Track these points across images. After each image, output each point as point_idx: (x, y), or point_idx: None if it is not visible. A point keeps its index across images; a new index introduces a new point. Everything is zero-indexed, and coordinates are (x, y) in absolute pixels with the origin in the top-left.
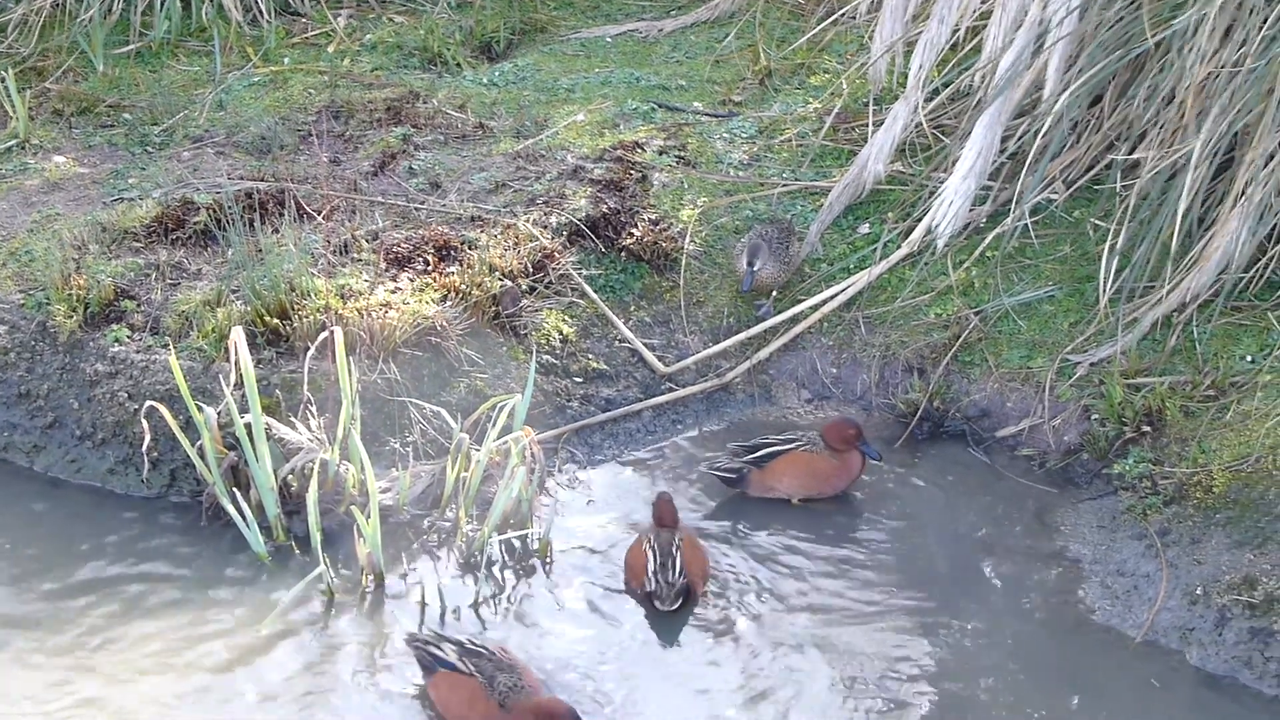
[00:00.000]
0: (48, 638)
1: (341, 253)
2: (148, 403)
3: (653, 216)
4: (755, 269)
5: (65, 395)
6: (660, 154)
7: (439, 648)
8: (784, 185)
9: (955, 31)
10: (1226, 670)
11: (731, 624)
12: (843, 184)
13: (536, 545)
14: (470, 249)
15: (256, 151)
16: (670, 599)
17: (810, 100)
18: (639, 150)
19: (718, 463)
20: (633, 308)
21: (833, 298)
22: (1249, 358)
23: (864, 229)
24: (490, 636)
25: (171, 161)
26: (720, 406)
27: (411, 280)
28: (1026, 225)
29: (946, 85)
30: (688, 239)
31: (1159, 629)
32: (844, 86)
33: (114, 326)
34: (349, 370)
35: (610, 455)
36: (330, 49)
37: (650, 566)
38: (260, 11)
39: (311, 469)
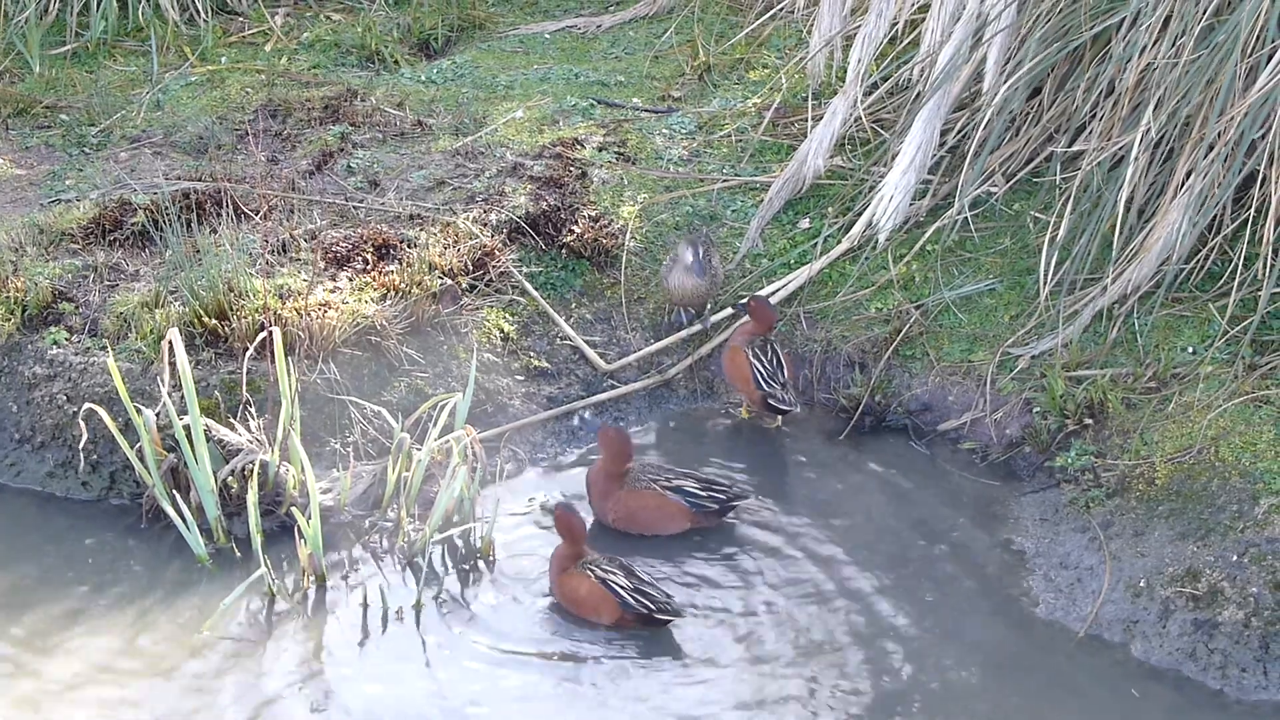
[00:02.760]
0: None
1: (280, 252)
2: (86, 405)
3: (593, 213)
4: (690, 263)
5: (3, 398)
6: (600, 150)
7: None
8: (724, 181)
9: (894, 25)
10: (1170, 663)
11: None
12: (783, 179)
13: (479, 544)
14: (410, 247)
15: (194, 151)
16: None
17: (749, 95)
18: (578, 147)
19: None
20: (574, 305)
21: (774, 293)
22: (1190, 349)
23: (804, 224)
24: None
25: (109, 162)
26: (663, 403)
27: (350, 279)
28: (967, 219)
29: (885, 79)
30: (628, 235)
31: (1103, 622)
32: (783, 81)
33: (52, 329)
34: (288, 370)
35: (553, 453)
36: (267, 48)
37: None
38: (197, 11)
39: (251, 470)
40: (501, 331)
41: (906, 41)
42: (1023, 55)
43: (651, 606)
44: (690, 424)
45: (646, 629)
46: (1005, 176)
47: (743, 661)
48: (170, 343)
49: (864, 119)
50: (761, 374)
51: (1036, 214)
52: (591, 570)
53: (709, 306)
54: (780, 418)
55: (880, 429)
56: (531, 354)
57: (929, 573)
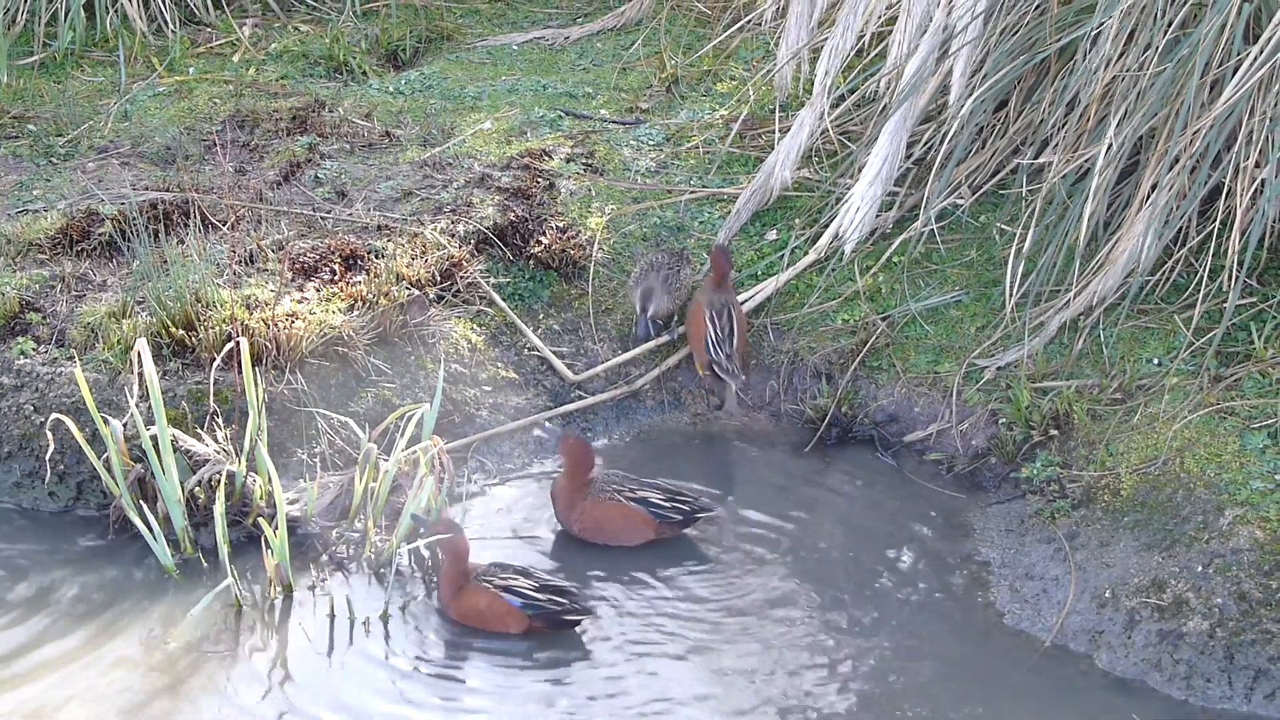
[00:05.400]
0: None
1: (247, 263)
2: (53, 415)
3: (561, 224)
4: (650, 313)
5: None
6: (568, 162)
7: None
8: (691, 192)
9: (860, 38)
10: (1136, 673)
11: (633, 628)
12: (750, 191)
13: (441, 548)
14: (377, 258)
15: (161, 162)
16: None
17: (717, 107)
18: (546, 158)
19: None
20: (541, 316)
21: (741, 304)
22: (1155, 361)
23: (771, 235)
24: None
25: (76, 173)
26: (630, 414)
27: (318, 290)
28: (933, 231)
29: (852, 91)
30: (596, 247)
31: (1068, 632)
32: (750, 93)
33: (19, 339)
34: (255, 381)
35: (520, 464)
36: (235, 58)
37: (713, 336)
38: (165, 21)
39: (218, 481)
40: (469, 342)
41: (873, 54)
42: (989, 68)
43: (564, 602)
44: (658, 435)
45: (557, 632)
46: (971, 189)
47: (705, 673)
48: (138, 353)
49: (831, 131)
50: (712, 338)
51: (1002, 226)
52: (488, 582)
53: (675, 319)
54: (724, 405)
55: (847, 440)
56: (499, 365)
57: (894, 584)
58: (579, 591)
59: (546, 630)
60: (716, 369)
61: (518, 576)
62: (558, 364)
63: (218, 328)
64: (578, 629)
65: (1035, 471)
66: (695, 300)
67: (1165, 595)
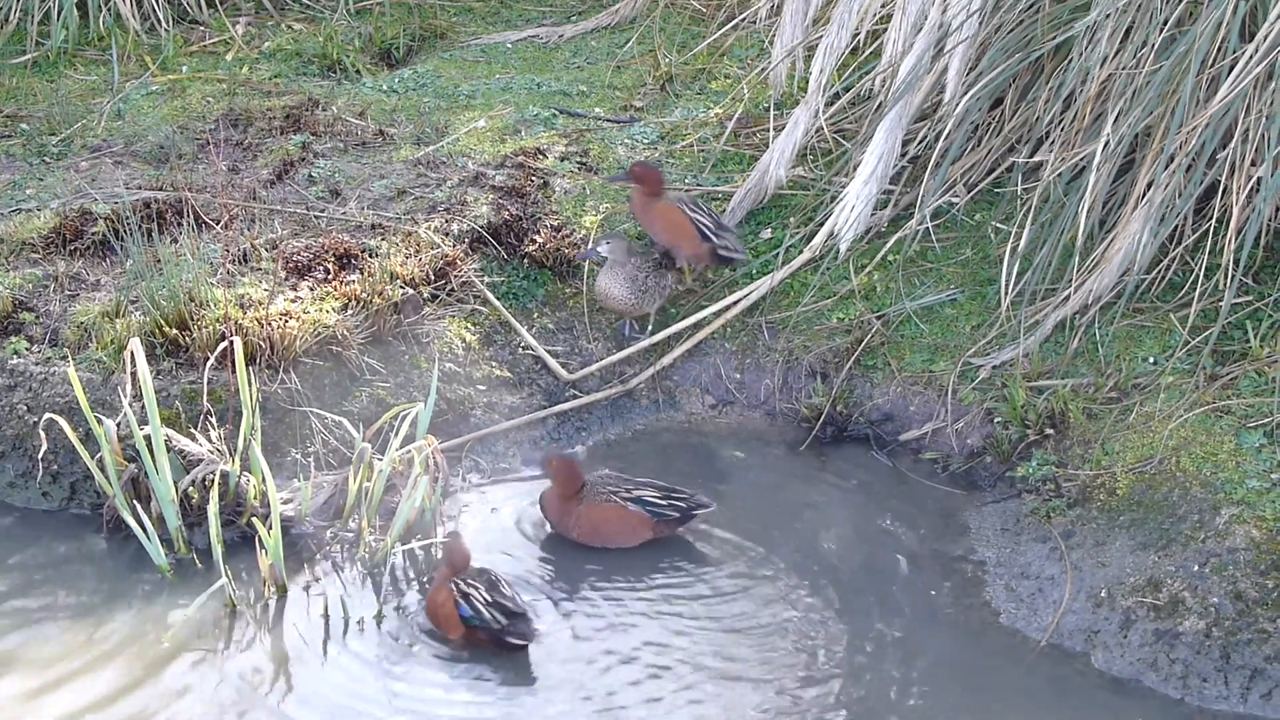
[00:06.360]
0: None
1: (240, 262)
2: (47, 415)
3: (555, 223)
4: (598, 250)
5: None
6: (562, 160)
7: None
8: (686, 190)
9: (855, 36)
10: (1131, 673)
11: (626, 629)
12: (744, 189)
13: (440, 555)
14: (371, 257)
15: (155, 161)
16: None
17: (711, 105)
18: (540, 156)
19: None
20: (536, 315)
21: (736, 303)
22: (1151, 359)
23: (766, 234)
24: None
25: (69, 172)
26: (625, 413)
27: (312, 289)
28: (928, 229)
29: (847, 89)
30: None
31: (1064, 632)
32: (745, 91)
33: (12, 339)
34: (249, 380)
35: (515, 463)
36: (229, 57)
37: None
38: (158, 20)
39: (212, 481)
40: (463, 341)
41: (868, 52)
42: (984, 65)
43: (503, 622)
44: (653, 434)
45: (500, 652)
46: (967, 187)
47: (701, 670)
48: (131, 352)
49: (826, 129)
50: (707, 227)
51: (998, 224)
52: (456, 584)
53: (650, 319)
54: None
55: (842, 439)
56: (493, 364)
57: (890, 583)
58: (526, 613)
59: (489, 648)
60: (724, 252)
61: (480, 586)
62: (552, 363)
63: (211, 327)
64: (572, 628)
65: (1031, 470)
66: (656, 206)
67: (1161, 595)
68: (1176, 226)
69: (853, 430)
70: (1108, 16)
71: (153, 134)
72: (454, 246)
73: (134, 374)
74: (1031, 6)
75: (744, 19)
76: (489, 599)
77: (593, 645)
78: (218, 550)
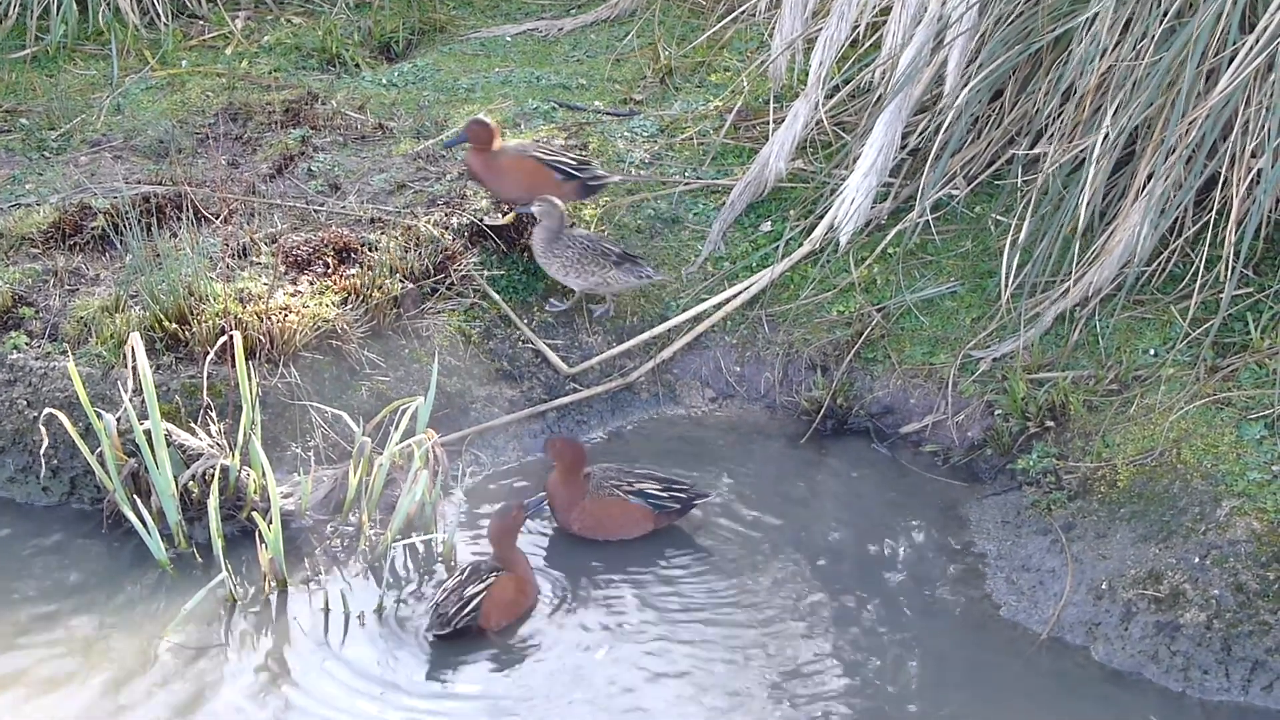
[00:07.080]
0: None
1: (240, 256)
2: (47, 410)
3: None
4: (530, 208)
5: None
6: None
7: None
8: (685, 184)
9: (855, 28)
10: (1132, 665)
11: (632, 622)
12: (744, 182)
13: (440, 549)
14: (371, 251)
15: (154, 155)
16: None
17: (711, 98)
18: None
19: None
20: (535, 308)
21: (735, 296)
22: (1151, 351)
23: (766, 227)
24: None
25: (69, 166)
26: (625, 406)
27: (311, 283)
28: (928, 221)
29: (847, 82)
30: None
31: (1065, 624)
32: (745, 84)
33: (12, 334)
34: (249, 375)
35: (515, 457)
36: (228, 51)
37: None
38: (157, 14)
39: (212, 475)
40: (463, 335)
41: (868, 44)
42: (984, 58)
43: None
44: (653, 427)
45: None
46: (966, 179)
47: (701, 660)
48: (131, 347)
49: (825, 122)
50: (568, 164)
51: (998, 216)
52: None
53: (574, 294)
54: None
55: (842, 432)
56: (493, 357)
57: (890, 575)
58: (462, 616)
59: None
60: (594, 182)
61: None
62: (552, 356)
63: (211, 321)
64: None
65: (1031, 463)
66: (501, 161)
67: (1162, 587)
68: (1177, 218)
69: (853, 423)
70: (1107, 7)
71: (152, 128)
72: (453, 240)
73: (134, 368)
74: None
75: (743, 11)
76: (441, 594)
77: (594, 635)
78: (218, 545)
